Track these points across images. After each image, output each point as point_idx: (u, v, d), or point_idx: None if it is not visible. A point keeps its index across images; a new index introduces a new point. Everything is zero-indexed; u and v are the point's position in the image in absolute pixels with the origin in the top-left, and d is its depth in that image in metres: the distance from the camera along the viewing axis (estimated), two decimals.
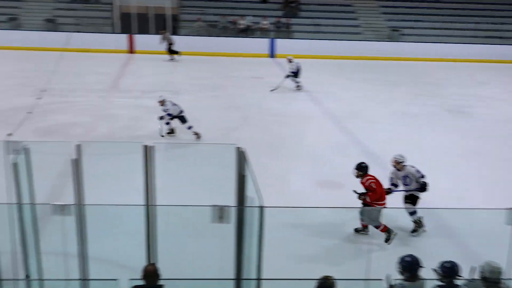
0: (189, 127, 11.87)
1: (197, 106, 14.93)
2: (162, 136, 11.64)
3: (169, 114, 11.61)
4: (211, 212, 4.16)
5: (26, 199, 4.89)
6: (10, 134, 10.53)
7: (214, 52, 23.59)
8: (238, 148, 4.71)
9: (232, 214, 4.34)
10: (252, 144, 8.13)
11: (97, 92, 16.15)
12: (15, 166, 4.62)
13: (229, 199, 4.74)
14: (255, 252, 4.34)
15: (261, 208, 4.13)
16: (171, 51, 22.08)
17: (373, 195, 7.48)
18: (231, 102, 15.73)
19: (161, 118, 11.69)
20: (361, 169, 7.64)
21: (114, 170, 10.06)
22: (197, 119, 13.61)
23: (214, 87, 17.66)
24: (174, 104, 11.77)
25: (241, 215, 4.51)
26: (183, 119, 11.83)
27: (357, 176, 7.66)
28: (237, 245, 4.69)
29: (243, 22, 25.56)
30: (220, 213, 4.15)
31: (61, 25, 24.53)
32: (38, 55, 21.81)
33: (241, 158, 4.62)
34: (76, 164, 4.68)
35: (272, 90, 17.01)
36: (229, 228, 4.45)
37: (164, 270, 4.67)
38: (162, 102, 11.77)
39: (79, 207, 4.72)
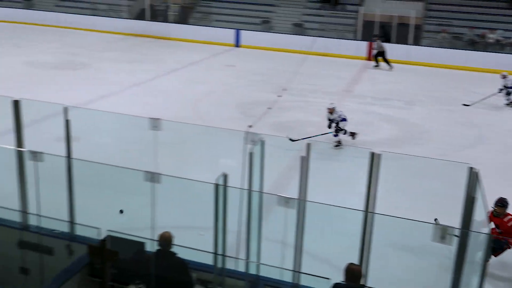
0: (335, 135, 11.48)
1: (429, 118, 14.41)
2: (293, 140, 11.00)
3: (343, 119, 11.38)
4: (433, 230, 3.97)
5: (256, 187, 5.28)
6: (250, 126, 11.53)
7: (455, 65, 22.35)
8: (471, 168, 4.41)
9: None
10: (485, 166, 7.52)
11: (332, 94, 16.65)
12: (251, 155, 5.03)
13: (453, 219, 4.47)
14: (476, 281, 4.02)
15: (489, 236, 3.81)
16: (379, 59, 21.70)
17: None
18: (467, 118, 14.74)
19: (335, 125, 11.47)
20: (505, 206, 6.64)
21: (338, 171, 10.30)
22: (428, 132, 13.14)
23: (450, 101, 16.75)
24: (341, 112, 11.57)
25: (465, 239, 4.21)
26: (340, 128, 11.42)
27: (498, 214, 6.63)
28: (456, 269, 4.40)
29: (492, 36, 23.67)
30: (442, 232, 3.93)
31: (307, 30, 25.89)
32: (283, 56, 23.38)
33: (473, 179, 4.31)
34: (305, 162, 4.90)
35: (465, 105, 15.89)
36: (449, 250, 4.20)
37: (372, 276, 4.61)
38: (332, 110, 11.56)
39: (302, 202, 4.93)
